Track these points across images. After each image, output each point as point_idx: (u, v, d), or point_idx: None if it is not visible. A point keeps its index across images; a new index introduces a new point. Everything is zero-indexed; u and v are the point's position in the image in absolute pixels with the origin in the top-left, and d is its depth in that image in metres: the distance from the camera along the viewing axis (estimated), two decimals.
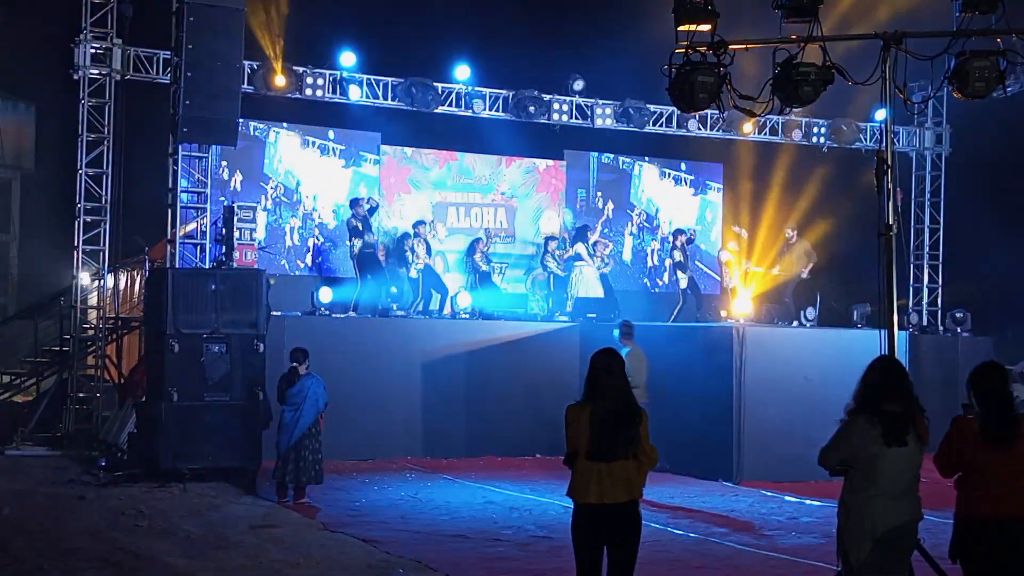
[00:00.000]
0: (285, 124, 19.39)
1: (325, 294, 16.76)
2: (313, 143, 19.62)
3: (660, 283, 22.06)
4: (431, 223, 19.51)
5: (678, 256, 19.84)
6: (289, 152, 19.44)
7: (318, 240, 19.51)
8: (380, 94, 18.88)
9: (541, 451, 16.65)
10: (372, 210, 18.09)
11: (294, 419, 12.52)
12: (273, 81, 17.82)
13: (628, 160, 22.01)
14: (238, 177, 18.87)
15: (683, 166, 22.44)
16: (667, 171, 22.33)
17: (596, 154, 21.84)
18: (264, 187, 19.12)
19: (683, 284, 19.68)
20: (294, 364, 12.69)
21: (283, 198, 19.30)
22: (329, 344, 15.41)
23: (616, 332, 14.18)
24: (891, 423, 6.11)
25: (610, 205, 21.83)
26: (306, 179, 19.55)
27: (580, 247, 19.67)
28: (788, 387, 14.88)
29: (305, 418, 12.53)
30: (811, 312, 18.03)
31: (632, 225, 22.07)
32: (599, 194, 21.78)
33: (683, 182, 22.54)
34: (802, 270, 19.40)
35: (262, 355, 13.75)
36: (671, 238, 20.39)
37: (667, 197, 22.38)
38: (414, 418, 16.59)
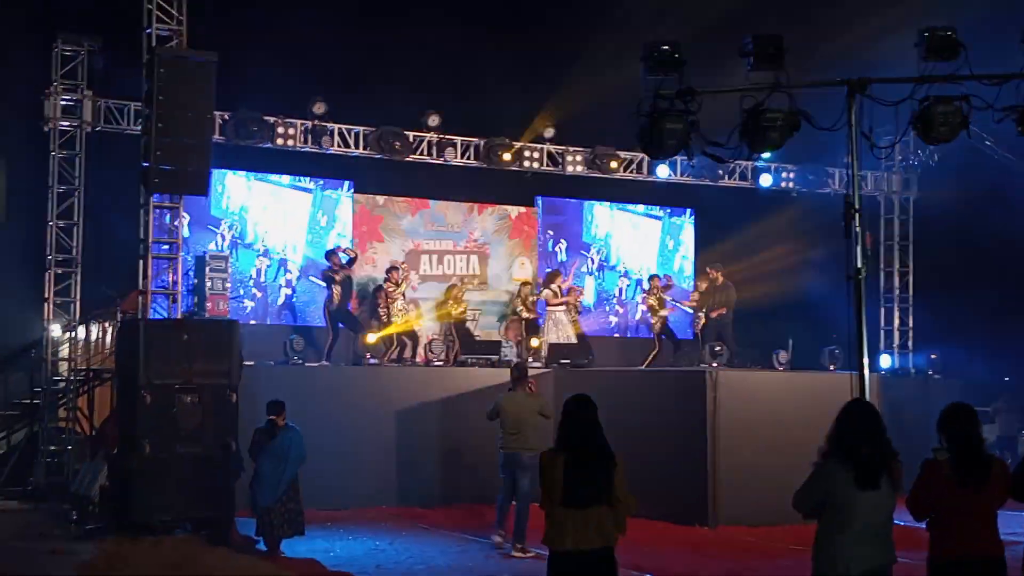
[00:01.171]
0: (257, 175, 19.39)
1: (298, 343, 16.71)
2: (263, 178, 19.45)
3: (629, 325, 22.12)
4: (402, 269, 19.45)
5: (652, 301, 19.90)
6: (239, 190, 19.22)
7: (288, 290, 19.47)
8: (352, 143, 18.94)
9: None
10: (350, 261, 18.10)
11: (278, 472, 12.40)
12: (249, 131, 17.80)
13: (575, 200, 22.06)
14: (185, 219, 18.60)
15: (641, 208, 22.56)
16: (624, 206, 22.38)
17: (568, 200, 21.97)
18: (214, 231, 18.91)
19: (656, 329, 19.73)
20: (272, 417, 12.59)
21: (238, 239, 19.12)
22: (302, 394, 15.34)
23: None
24: (864, 466, 6.12)
25: (562, 245, 21.88)
26: (262, 217, 19.39)
27: (547, 292, 19.72)
28: (761, 431, 14.88)
29: (290, 471, 12.45)
30: (783, 355, 18.12)
31: (591, 264, 22.11)
32: (550, 234, 21.83)
33: (637, 215, 22.56)
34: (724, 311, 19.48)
35: (235, 405, 13.64)
36: (646, 283, 20.44)
37: (623, 232, 22.42)
38: (388, 467, 16.49)
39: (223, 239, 18.92)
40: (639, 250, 22.47)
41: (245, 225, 19.23)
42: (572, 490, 6.49)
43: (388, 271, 18.80)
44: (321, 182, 19.89)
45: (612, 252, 22.30)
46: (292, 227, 19.65)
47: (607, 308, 22.17)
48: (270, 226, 19.46)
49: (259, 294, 19.26)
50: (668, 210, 22.71)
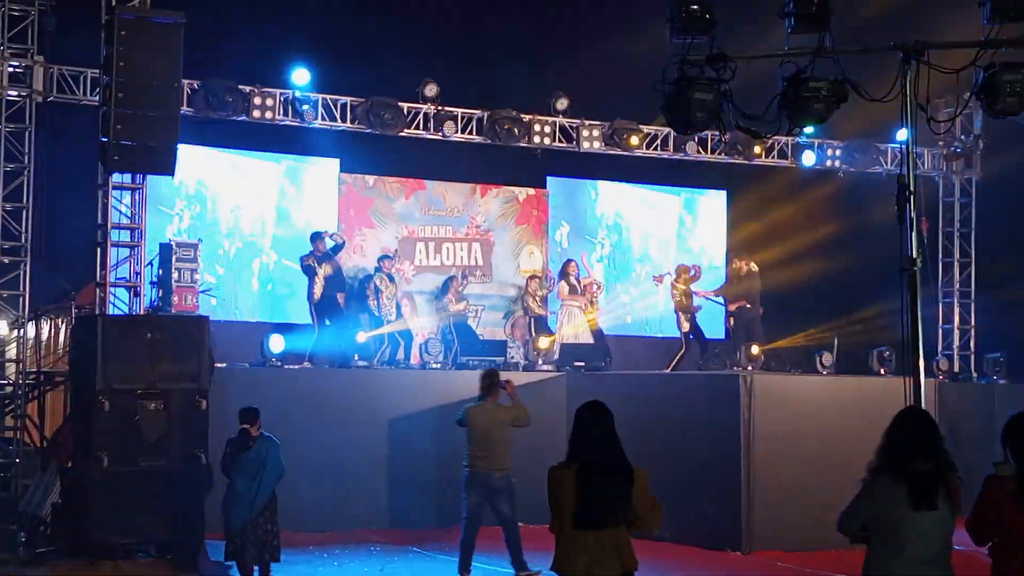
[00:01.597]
0: (229, 150, 19.42)
1: (276, 343, 16.72)
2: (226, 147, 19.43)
3: (650, 321, 22.14)
4: (396, 256, 19.46)
5: (679, 295, 19.88)
6: (196, 162, 19.02)
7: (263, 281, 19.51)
8: (338, 116, 18.94)
9: (523, 519, 16.53)
10: (337, 247, 18.12)
11: (252, 489, 12.38)
12: (223, 101, 17.81)
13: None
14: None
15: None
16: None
17: (582, 181, 21.99)
18: (169, 212, 18.82)
19: (685, 327, 19.73)
20: (245, 426, 12.57)
21: (196, 222, 19.08)
22: (282, 400, 15.36)
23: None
24: (919, 483, 6.12)
25: (564, 229, 21.87)
26: (224, 194, 19.38)
27: (560, 286, 19.73)
28: (803, 442, 14.88)
29: (266, 487, 12.43)
30: (827, 358, 18.11)
31: (601, 250, 22.11)
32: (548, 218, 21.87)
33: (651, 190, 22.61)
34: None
35: (204, 413, 13.67)
36: (674, 274, 20.37)
37: (635, 211, 22.46)
38: (378, 484, 16.50)
39: (180, 220, 18.89)
40: (655, 231, 22.46)
41: (206, 204, 19.23)
42: (584, 509, 6.50)
43: (380, 260, 18.82)
44: (303, 160, 19.92)
45: (624, 235, 22.30)
46: (263, 205, 19.69)
47: (623, 302, 22.16)
48: (237, 204, 19.48)
49: (232, 286, 19.30)
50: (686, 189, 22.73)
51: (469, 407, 12.83)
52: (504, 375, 13.30)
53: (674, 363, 19.35)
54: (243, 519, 12.31)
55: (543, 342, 19.22)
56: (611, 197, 22.32)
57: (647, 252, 22.49)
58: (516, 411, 12.81)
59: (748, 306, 19.34)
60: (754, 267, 19.56)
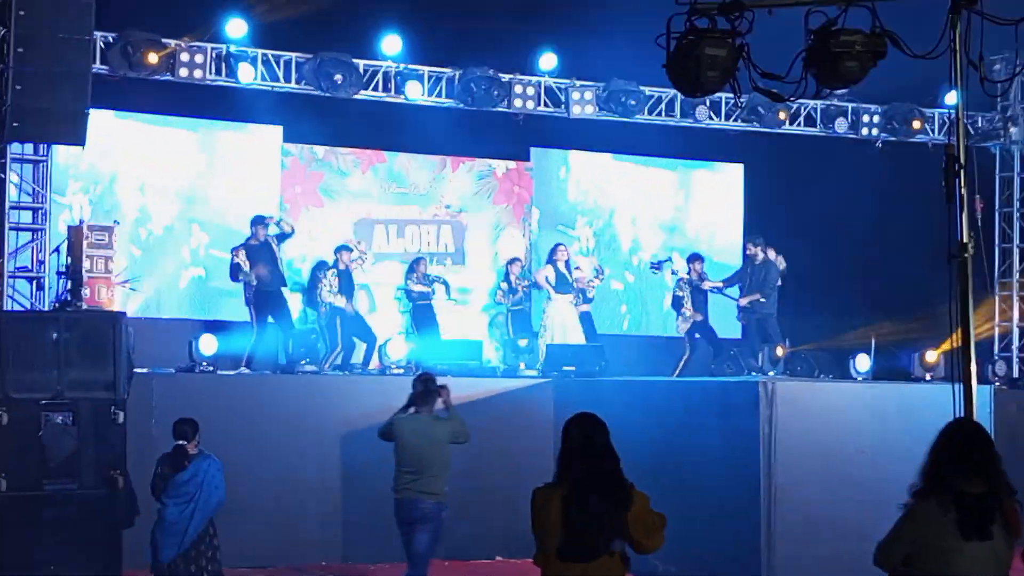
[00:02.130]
0: (146, 116, 19.32)
1: (207, 344, 16.67)
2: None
3: (653, 317, 22.18)
4: (358, 248, 19.33)
5: (681, 291, 19.89)
6: (106, 132, 18.90)
7: (195, 271, 19.47)
8: (281, 75, 18.90)
9: (503, 551, 16.61)
10: (283, 236, 18.09)
11: (185, 516, 12.34)
12: (144, 59, 17.74)
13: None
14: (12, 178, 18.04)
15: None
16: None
17: (571, 152, 22.00)
18: (59, 201, 18.56)
19: (683, 328, 19.74)
20: (181, 442, 12.52)
21: (96, 204, 19.01)
22: (214, 411, 15.29)
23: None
24: (970, 509, 6.14)
25: (535, 215, 21.89)
26: (138, 169, 19.36)
27: (546, 272, 19.69)
28: (834, 461, 14.91)
29: (201, 514, 12.38)
30: (863, 360, 18.15)
31: (582, 244, 22.15)
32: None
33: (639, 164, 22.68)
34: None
35: (122, 427, 13.60)
36: (683, 268, 20.31)
37: (619, 190, 22.52)
38: (331, 510, 16.48)
39: (78, 209, 18.74)
40: (644, 211, 22.50)
41: (115, 183, 19.16)
42: (572, 538, 6.52)
43: (338, 251, 18.77)
44: (239, 128, 19.87)
45: (609, 220, 22.31)
46: (187, 182, 19.67)
47: (616, 306, 22.21)
48: (153, 181, 19.44)
49: (157, 277, 19.27)
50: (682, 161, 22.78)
51: (397, 418, 12.34)
52: (452, 383, 12.93)
53: (679, 368, 19.37)
54: (174, 552, 12.29)
55: (523, 341, 19.25)
56: (588, 174, 22.31)
57: (638, 240, 22.50)
58: (454, 425, 12.36)
59: (762, 300, 19.32)
60: (772, 254, 19.54)
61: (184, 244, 19.58)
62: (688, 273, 19.98)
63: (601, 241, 22.25)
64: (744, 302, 19.45)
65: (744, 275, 19.77)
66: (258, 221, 17.98)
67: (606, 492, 6.59)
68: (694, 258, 20.28)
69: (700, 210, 22.92)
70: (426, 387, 12.41)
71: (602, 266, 20.72)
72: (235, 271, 17.75)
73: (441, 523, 12.14)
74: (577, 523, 6.53)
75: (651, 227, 22.61)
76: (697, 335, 19.76)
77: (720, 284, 20.11)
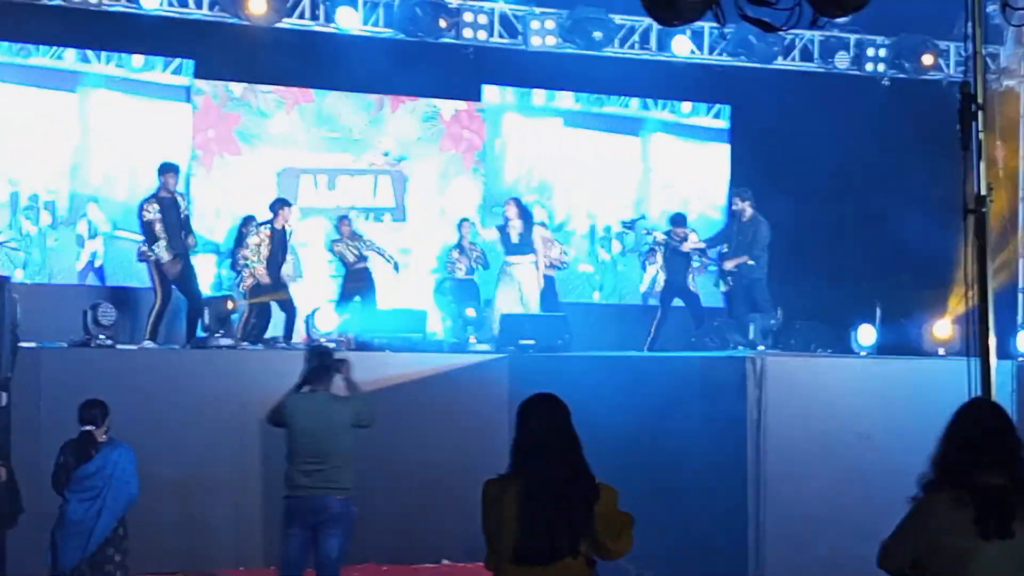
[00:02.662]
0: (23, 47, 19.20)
1: (107, 314, 16.59)
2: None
3: (625, 285, 22.30)
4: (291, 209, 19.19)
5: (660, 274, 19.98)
6: None
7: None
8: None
9: (450, 555, 16.63)
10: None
11: (91, 514, 12.28)
12: None
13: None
14: None
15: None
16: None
17: (528, 91, 21.97)
18: None
19: (659, 286, 19.81)
20: (88, 428, 12.44)
21: None
22: (113, 391, 15.19)
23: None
24: (989, 504, 6.16)
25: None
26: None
27: (493, 231, 19.73)
28: (832, 448, 14.98)
29: (110, 512, 12.33)
30: (866, 332, 18.21)
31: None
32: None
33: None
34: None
35: (5, 410, 13.56)
36: (670, 228, 20.30)
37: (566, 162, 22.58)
38: (250, 508, 16.44)
39: None
40: (604, 171, 22.60)
41: None
42: (528, 538, 6.54)
43: (276, 207, 18.63)
44: (144, 68, 19.77)
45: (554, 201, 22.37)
46: (72, 130, 19.59)
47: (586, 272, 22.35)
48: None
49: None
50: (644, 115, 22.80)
51: (290, 399, 12.03)
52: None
53: (649, 337, 19.40)
54: (78, 556, 12.26)
55: (470, 311, 19.24)
56: (522, 139, 22.34)
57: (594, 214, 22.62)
58: (357, 405, 12.04)
59: (750, 263, 19.34)
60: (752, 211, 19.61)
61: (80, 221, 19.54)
62: (668, 235, 19.96)
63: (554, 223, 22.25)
64: (730, 265, 19.40)
65: (730, 234, 19.76)
66: (167, 169, 17.80)
67: (568, 485, 6.60)
68: (677, 220, 20.26)
69: (676, 169, 22.94)
70: (322, 361, 12.12)
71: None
72: (149, 231, 17.53)
73: (352, 522, 11.98)
74: (535, 521, 6.54)
75: (611, 186, 22.65)
76: (675, 301, 19.77)
77: (702, 245, 20.12)
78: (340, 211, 20.33)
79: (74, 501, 12.26)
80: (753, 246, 19.37)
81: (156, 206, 17.47)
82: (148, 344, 17.12)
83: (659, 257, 19.95)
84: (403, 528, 16.67)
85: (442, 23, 19.62)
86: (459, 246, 20.15)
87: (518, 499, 6.58)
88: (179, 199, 17.79)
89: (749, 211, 19.45)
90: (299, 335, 18.65)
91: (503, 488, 6.63)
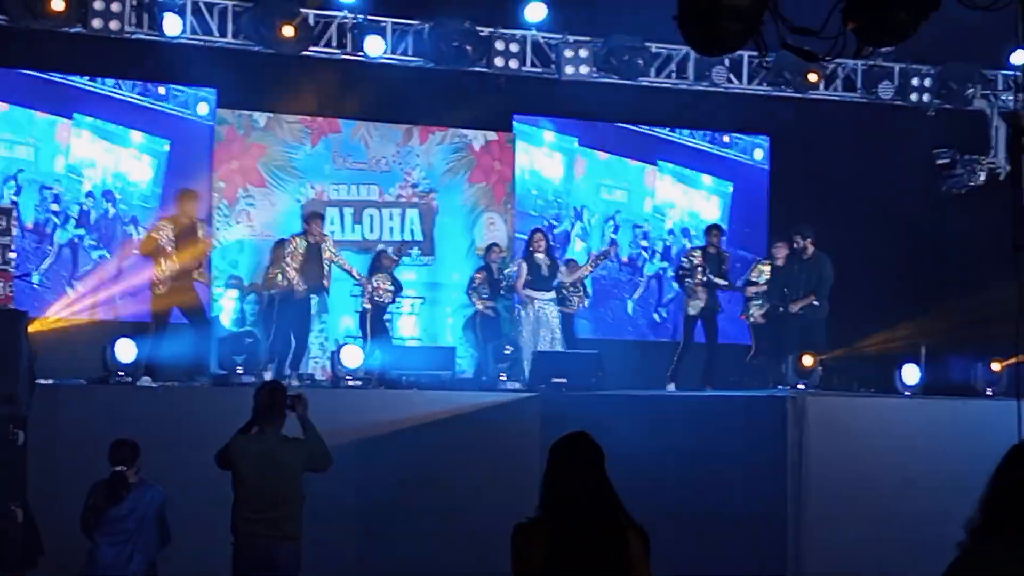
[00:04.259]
0: (52, 75, 19.29)
1: (125, 350, 16.61)
2: None
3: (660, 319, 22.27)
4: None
5: (687, 265, 19.84)
6: None
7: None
8: (214, 26, 18.83)
9: None
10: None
11: (122, 558, 12.27)
12: (48, 6, 17.68)
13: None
14: None
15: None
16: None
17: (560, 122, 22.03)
18: None
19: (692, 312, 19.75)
20: (119, 468, 12.42)
21: None
22: (134, 431, 15.21)
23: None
24: None
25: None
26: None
27: (519, 265, 19.61)
28: (875, 492, 14.91)
29: (141, 555, 12.32)
30: (911, 372, 18.13)
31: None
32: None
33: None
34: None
35: (22, 449, 13.56)
36: (706, 241, 20.18)
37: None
38: None
39: None
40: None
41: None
42: None
43: (307, 219, 18.66)
44: (165, 98, 19.83)
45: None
46: (100, 155, 19.71)
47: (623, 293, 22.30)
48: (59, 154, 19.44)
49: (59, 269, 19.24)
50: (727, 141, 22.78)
51: (237, 441, 11.50)
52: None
53: (670, 370, 19.35)
54: None
55: (508, 349, 19.17)
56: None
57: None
58: (310, 448, 11.58)
59: (815, 304, 19.25)
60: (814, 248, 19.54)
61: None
62: (705, 247, 19.87)
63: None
64: (796, 308, 19.27)
65: (790, 273, 19.56)
66: (190, 196, 17.79)
67: (598, 526, 6.57)
68: (712, 229, 20.16)
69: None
70: (272, 399, 11.50)
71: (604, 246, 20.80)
72: (156, 252, 17.55)
73: (298, 570, 11.57)
74: (564, 565, 6.51)
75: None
76: (698, 324, 19.66)
77: (752, 290, 19.90)
78: (370, 244, 20.34)
79: (105, 545, 12.26)
80: (820, 286, 19.27)
81: (170, 228, 17.48)
82: (171, 383, 17.14)
83: (699, 277, 19.75)
84: (430, 571, 16.64)
85: (469, 51, 19.55)
86: (486, 270, 20.07)
87: (547, 547, 6.55)
88: (199, 225, 17.80)
89: (811, 249, 19.36)
90: (324, 372, 18.64)
91: (533, 534, 6.59)
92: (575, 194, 22.33)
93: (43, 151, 19.32)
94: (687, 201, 22.83)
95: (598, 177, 22.46)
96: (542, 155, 22.25)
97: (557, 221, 22.14)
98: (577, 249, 21.80)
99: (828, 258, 19.39)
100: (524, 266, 19.53)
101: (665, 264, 22.45)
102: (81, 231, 19.50)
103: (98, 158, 19.64)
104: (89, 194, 19.53)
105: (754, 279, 20.13)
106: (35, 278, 18.45)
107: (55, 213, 19.31)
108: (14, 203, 17.20)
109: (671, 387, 19.08)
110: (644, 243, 22.56)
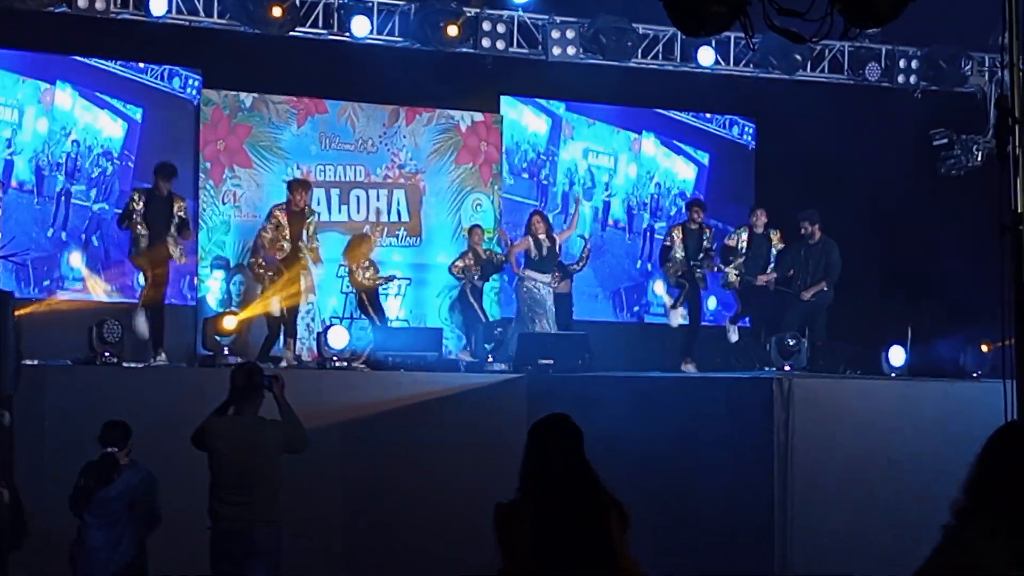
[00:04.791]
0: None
1: (112, 330, 16.59)
2: None
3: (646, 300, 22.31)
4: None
5: (670, 241, 19.90)
6: None
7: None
8: (200, 7, 18.79)
9: None
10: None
11: (111, 539, 12.28)
12: None
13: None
14: None
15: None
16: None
17: (548, 103, 21.99)
18: None
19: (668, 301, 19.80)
20: (110, 450, 12.42)
21: None
22: (120, 410, 15.23)
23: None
24: None
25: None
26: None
27: (522, 244, 19.57)
28: (861, 473, 14.94)
29: (130, 538, 12.33)
30: (897, 353, 18.15)
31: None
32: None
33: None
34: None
35: (8, 430, 13.55)
36: (687, 216, 20.21)
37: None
38: None
39: None
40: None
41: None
42: (542, 565, 6.53)
43: (291, 186, 18.50)
44: (151, 77, 19.81)
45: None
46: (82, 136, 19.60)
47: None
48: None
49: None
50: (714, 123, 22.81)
51: (212, 422, 11.60)
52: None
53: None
54: None
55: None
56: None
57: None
58: (287, 429, 11.61)
59: (826, 289, 19.23)
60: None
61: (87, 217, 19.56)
62: (686, 223, 19.93)
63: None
64: (809, 295, 19.22)
65: (796, 259, 19.51)
66: (164, 170, 17.84)
67: (581, 505, 6.61)
68: (693, 205, 20.27)
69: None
70: (250, 380, 11.55)
71: (585, 235, 20.70)
72: (126, 218, 17.60)
73: (280, 552, 11.60)
74: (549, 546, 6.55)
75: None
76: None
77: (764, 277, 19.84)
78: (356, 226, 20.33)
79: (94, 526, 12.28)
80: (830, 272, 19.23)
81: (142, 198, 17.51)
82: (160, 362, 17.15)
83: (677, 252, 19.78)
84: (416, 552, 16.64)
85: (452, 31, 19.46)
86: (471, 251, 20.03)
87: (529, 529, 6.58)
88: (176, 199, 17.81)
89: (818, 234, 19.31)
90: (310, 353, 18.64)
91: (514, 515, 6.63)
92: (563, 153, 22.31)
93: (27, 114, 19.23)
94: (668, 163, 22.78)
95: (585, 141, 22.43)
96: (530, 113, 22.22)
97: (549, 180, 22.19)
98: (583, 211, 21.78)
99: (835, 244, 19.35)
100: (529, 240, 19.48)
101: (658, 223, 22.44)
102: (80, 186, 19.45)
103: (80, 117, 19.53)
104: (75, 143, 19.46)
105: (731, 244, 20.11)
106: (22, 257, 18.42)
107: (44, 167, 19.21)
108: (8, 162, 17.22)
109: (690, 367, 19.07)
110: (632, 201, 22.52)
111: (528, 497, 6.63)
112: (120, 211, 18.05)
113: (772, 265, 19.67)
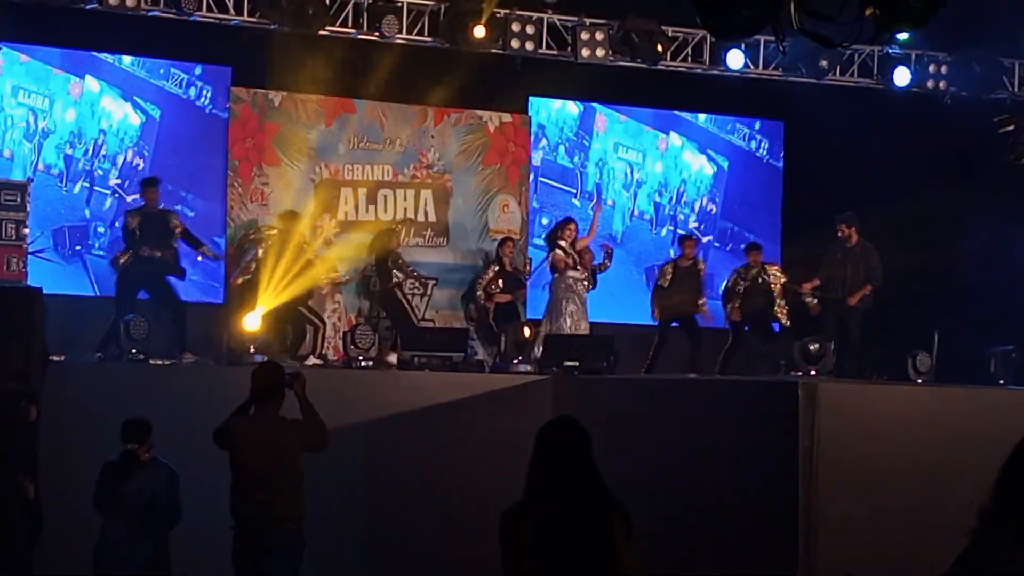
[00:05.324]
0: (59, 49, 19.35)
1: (140, 326, 16.64)
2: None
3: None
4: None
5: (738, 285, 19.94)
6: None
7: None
8: (230, 5, 18.82)
9: None
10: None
11: (131, 536, 12.28)
12: None
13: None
14: None
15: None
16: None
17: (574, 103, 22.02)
18: None
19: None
20: (131, 446, 12.43)
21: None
22: (145, 407, 15.24)
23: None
24: None
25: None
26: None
27: (557, 254, 19.60)
28: (887, 478, 14.90)
29: (151, 535, 12.32)
30: (924, 360, 18.10)
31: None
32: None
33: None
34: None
35: (34, 426, 13.58)
36: (680, 252, 20.31)
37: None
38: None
39: None
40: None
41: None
42: (543, 564, 6.54)
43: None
44: (177, 72, 19.84)
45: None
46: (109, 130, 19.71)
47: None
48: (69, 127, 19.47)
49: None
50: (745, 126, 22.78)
51: (233, 423, 11.57)
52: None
53: (648, 362, 19.39)
54: None
55: (527, 331, 19.12)
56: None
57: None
58: (308, 426, 11.55)
59: (868, 293, 19.15)
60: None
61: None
62: (677, 260, 20.09)
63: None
64: (855, 300, 19.12)
65: (832, 262, 19.41)
66: (148, 184, 18.02)
67: (585, 512, 6.61)
68: (685, 240, 20.43)
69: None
70: (271, 379, 11.46)
71: (606, 243, 20.76)
72: (129, 239, 17.77)
73: (300, 553, 11.56)
74: (551, 554, 6.57)
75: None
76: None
77: (807, 285, 19.71)
78: (383, 225, 20.36)
79: (115, 522, 12.28)
80: (871, 276, 19.13)
81: (137, 219, 17.65)
82: (190, 357, 17.21)
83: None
84: (439, 553, 16.64)
85: (478, 32, 19.46)
86: (498, 265, 20.06)
87: (534, 531, 6.59)
88: (170, 215, 18.04)
89: (856, 237, 19.18)
90: (336, 353, 18.66)
91: (519, 520, 6.62)
92: (595, 144, 22.33)
93: (56, 104, 19.33)
94: (692, 160, 22.80)
95: (616, 137, 22.44)
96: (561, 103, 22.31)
97: (582, 170, 22.25)
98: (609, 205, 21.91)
99: (874, 248, 19.24)
100: (560, 254, 19.56)
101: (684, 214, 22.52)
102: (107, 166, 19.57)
103: (106, 106, 19.61)
104: (101, 131, 19.58)
105: (730, 286, 20.21)
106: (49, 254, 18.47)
107: (71, 156, 19.33)
108: (30, 178, 17.25)
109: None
110: (658, 198, 22.55)
111: (533, 501, 6.61)
112: (121, 232, 18.13)
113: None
